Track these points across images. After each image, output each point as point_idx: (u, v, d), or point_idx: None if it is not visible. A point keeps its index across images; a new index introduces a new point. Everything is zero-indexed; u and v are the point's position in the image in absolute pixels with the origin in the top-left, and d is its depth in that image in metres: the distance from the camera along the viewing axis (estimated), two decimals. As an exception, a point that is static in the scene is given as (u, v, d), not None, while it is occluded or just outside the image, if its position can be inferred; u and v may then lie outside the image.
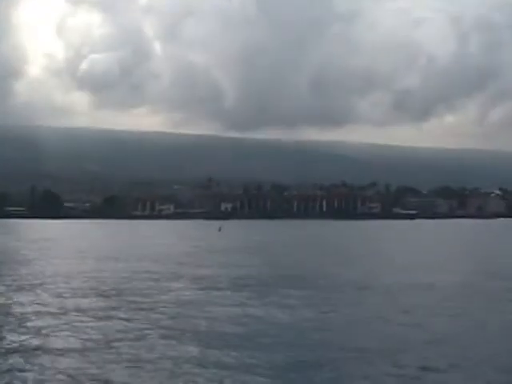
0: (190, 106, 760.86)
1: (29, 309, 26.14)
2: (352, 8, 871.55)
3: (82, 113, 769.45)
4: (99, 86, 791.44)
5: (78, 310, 25.75)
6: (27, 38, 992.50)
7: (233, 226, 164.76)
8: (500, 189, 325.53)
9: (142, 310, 26.12)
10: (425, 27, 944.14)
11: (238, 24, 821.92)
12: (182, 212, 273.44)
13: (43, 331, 21.74)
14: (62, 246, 72.52)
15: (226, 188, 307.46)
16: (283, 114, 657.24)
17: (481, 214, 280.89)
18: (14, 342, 20.06)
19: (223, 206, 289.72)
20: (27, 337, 20.81)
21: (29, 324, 22.95)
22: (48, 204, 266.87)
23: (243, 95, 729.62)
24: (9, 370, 16.90)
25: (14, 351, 18.78)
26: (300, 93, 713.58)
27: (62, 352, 18.98)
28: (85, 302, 27.67)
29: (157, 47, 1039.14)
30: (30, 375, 16.54)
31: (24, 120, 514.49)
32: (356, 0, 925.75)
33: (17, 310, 26.05)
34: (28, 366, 17.30)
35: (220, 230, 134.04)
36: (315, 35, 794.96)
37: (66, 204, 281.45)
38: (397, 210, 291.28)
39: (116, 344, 19.83)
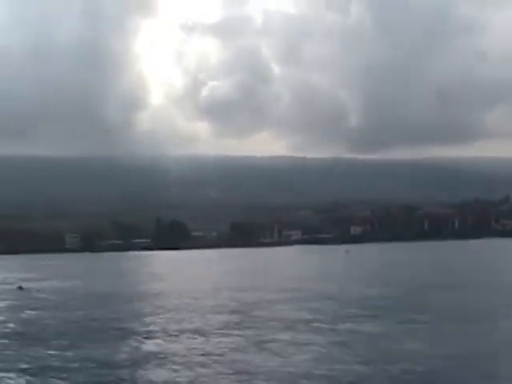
0: (312, 128, 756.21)
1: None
2: (473, 16, 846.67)
3: (204, 140, 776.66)
4: (220, 112, 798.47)
5: None
6: (148, 67, 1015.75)
7: (363, 251, 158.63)
8: None
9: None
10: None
11: (357, 41, 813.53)
12: (310, 237, 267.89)
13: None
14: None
15: (353, 211, 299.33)
16: (409, 132, 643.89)
17: None
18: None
19: (352, 230, 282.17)
20: None
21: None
22: (175, 234, 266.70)
23: (366, 115, 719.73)
24: None
25: None
26: (425, 109, 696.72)
27: None
28: None
29: (276, 70, 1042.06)
30: None
31: (148, 149, 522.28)
32: (477, 8, 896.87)
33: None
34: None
35: (347, 252, 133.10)
36: (437, 48, 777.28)
37: (192, 233, 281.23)
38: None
39: None
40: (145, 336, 32.50)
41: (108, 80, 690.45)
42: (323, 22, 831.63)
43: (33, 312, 45.97)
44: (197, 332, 33.23)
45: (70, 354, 28.95)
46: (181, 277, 78.75)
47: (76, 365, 26.52)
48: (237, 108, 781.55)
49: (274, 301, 45.80)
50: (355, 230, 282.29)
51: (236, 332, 33.07)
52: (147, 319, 38.47)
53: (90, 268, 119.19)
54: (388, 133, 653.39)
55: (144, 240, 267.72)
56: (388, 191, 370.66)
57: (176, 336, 31.87)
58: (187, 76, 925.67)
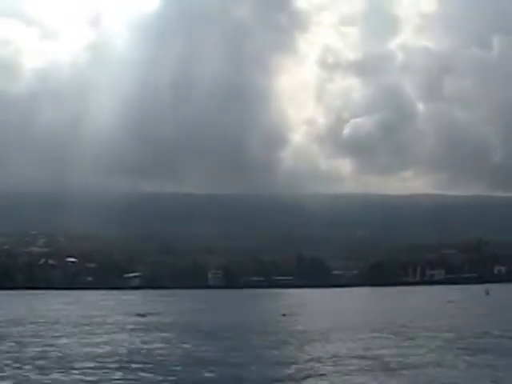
0: (455, 165, 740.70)
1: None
2: None
3: (346, 178, 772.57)
4: (362, 150, 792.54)
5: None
6: (289, 106, 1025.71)
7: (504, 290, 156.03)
8: None
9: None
10: None
11: (499, 76, 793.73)
12: (453, 277, 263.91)
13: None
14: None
15: (497, 250, 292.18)
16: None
17: None
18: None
19: (496, 269, 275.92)
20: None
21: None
22: (315, 272, 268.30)
23: (510, 152, 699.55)
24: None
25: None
26: None
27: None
28: None
29: (418, 106, 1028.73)
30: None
31: (290, 187, 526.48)
32: None
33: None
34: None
35: (487, 293, 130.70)
36: None
37: (334, 272, 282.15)
38: None
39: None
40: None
41: (250, 118, 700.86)
42: (465, 57, 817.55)
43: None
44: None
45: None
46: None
47: None
48: (379, 146, 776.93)
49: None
50: (499, 269, 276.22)
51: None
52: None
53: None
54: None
55: (285, 277, 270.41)
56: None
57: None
58: (329, 113, 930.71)
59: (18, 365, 36.38)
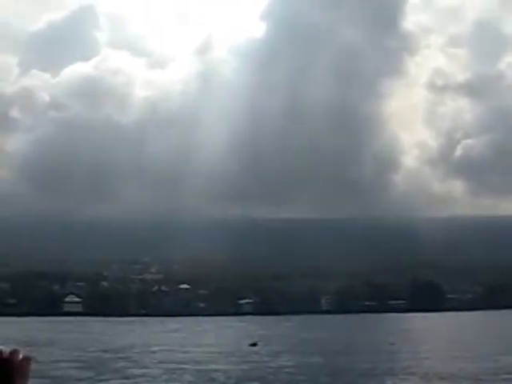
0: None
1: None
2: None
3: (458, 200, 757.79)
4: (474, 171, 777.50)
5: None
6: (400, 129, 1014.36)
7: None
8: None
9: None
10: None
11: None
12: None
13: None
14: None
15: None
16: None
17: None
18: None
19: None
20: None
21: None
22: (429, 295, 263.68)
23: None
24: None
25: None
26: None
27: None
28: None
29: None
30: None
31: (403, 210, 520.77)
32: None
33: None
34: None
35: None
36: None
37: (448, 295, 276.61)
38: None
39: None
40: None
41: (361, 142, 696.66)
42: None
43: None
44: None
45: None
46: None
47: None
48: (491, 167, 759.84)
49: None
50: None
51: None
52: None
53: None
54: None
55: (398, 301, 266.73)
56: None
57: None
58: (440, 135, 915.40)
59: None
